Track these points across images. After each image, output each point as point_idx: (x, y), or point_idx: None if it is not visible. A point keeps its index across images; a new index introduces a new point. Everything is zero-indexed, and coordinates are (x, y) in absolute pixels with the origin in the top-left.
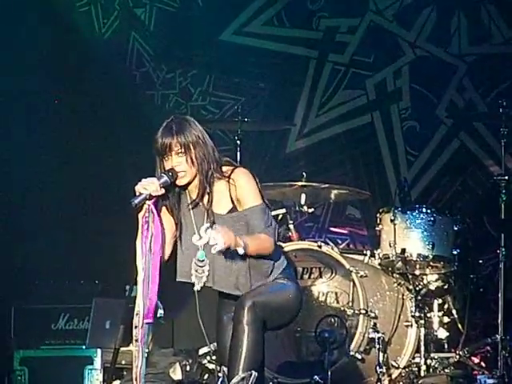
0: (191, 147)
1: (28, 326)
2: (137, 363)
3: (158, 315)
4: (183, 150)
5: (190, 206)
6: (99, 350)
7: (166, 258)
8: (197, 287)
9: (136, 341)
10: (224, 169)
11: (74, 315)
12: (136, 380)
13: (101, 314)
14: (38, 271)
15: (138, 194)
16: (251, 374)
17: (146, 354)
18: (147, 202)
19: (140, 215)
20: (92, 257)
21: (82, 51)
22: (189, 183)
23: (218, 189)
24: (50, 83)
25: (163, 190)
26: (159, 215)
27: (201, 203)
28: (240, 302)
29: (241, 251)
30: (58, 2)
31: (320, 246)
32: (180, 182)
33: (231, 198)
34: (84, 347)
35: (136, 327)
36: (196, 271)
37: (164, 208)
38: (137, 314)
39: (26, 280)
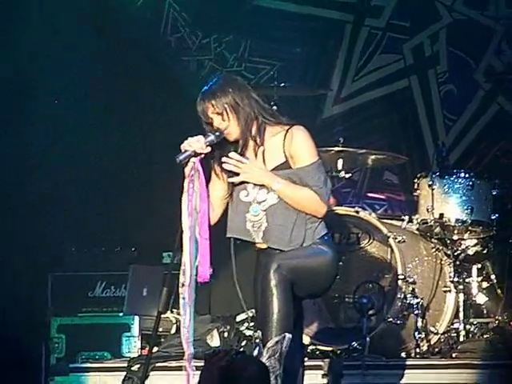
0: (224, 103)
1: (65, 294)
2: (184, 323)
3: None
4: (217, 108)
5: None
6: (136, 317)
7: (217, 219)
8: (257, 240)
9: (183, 299)
10: (280, 124)
11: (111, 282)
12: (184, 339)
13: (138, 281)
14: (74, 239)
15: (183, 151)
16: (284, 337)
17: (193, 314)
18: (192, 159)
19: (186, 172)
20: (128, 224)
21: (117, 18)
22: (238, 139)
23: (272, 143)
24: (87, 53)
25: (209, 149)
26: (205, 174)
27: (251, 156)
28: (267, 265)
29: (275, 186)
30: None
31: (357, 212)
32: (228, 137)
33: (284, 153)
34: (121, 314)
35: (183, 285)
36: (252, 226)
37: (215, 169)
38: (183, 273)
39: (62, 248)
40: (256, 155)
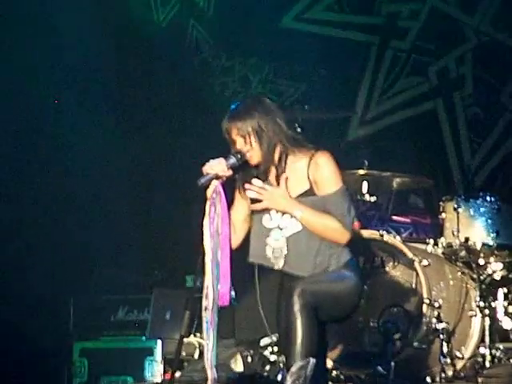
0: (248, 127)
1: (87, 318)
2: (208, 347)
3: (232, 298)
4: (241, 131)
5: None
6: (159, 341)
7: (239, 242)
8: (276, 267)
9: (206, 323)
10: (304, 149)
11: (134, 306)
12: (208, 364)
13: (161, 304)
14: (97, 262)
15: (205, 174)
16: (309, 361)
17: (216, 338)
18: (214, 182)
19: (208, 195)
20: (152, 247)
21: (141, 39)
22: (260, 164)
23: (296, 169)
24: (110, 73)
25: (231, 172)
26: (227, 197)
27: (272, 180)
28: (290, 290)
29: (297, 214)
30: None
31: (382, 235)
32: (251, 161)
33: (309, 179)
34: (144, 338)
35: (206, 309)
36: (273, 252)
37: (238, 191)
38: (206, 296)
39: (85, 271)
40: (278, 181)
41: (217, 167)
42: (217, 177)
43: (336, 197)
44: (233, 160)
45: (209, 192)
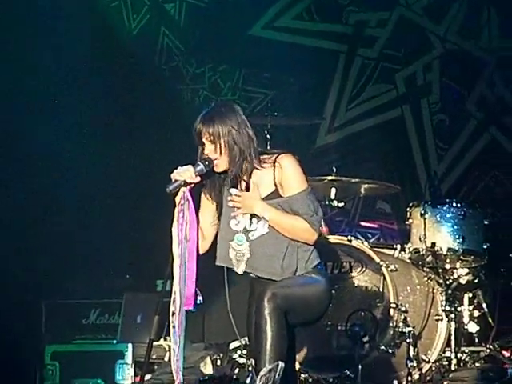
0: (221, 136)
1: (59, 321)
2: (175, 351)
3: (198, 302)
4: (212, 138)
5: (229, 191)
6: (130, 345)
7: (207, 246)
8: (238, 271)
9: (173, 327)
10: (267, 156)
11: (105, 310)
12: (175, 368)
13: (132, 308)
14: (69, 267)
15: (173, 180)
16: (278, 365)
17: (183, 342)
18: (182, 188)
19: (177, 201)
20: (122, 252)
21: (112, 46)
22: (227, 170)
23: (261, 174)
24: (81, 78)
25: (199, 178)
26: (195, 203)
27: (242, 188)
28: (260, 293)
29: (266, 215)
30: None
31: (350, 241)
32: (216, 168)
33: (274, 183)
34: (115, 342)
35: (173, 314)
36: (235, 255)
37: (205, 196)
38: (174, 301)
39: (56, 275)
40: (247, 186)
41: (185, 174)
42: (185, 183)
43: (302, 197)
44: (200, 167)
45: (177, 198)
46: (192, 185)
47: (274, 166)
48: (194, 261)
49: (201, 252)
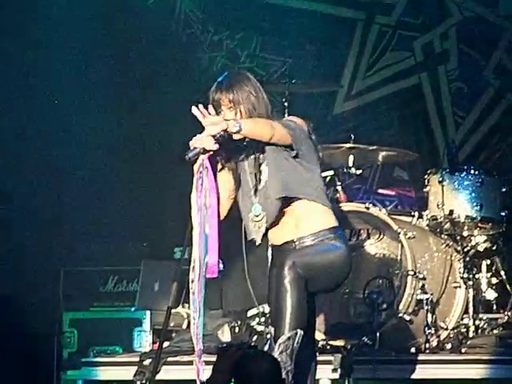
0: (241, 102)
1: (77, 288)
2: (194, 318)
3: (220, 269)
4: (232, 104)
5: (245, 159)
6: (148, 312)
7: (225, 213)
8: (257, 242)
9: (193, 294)
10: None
11: (123, 277)
12: (194, 335)
13: (150, 275)
14: (86, 234)
15: (192, 148)
16: (296, 333)
17: (203, 309)
18: (201, 156)
19: (195, 169)
20: (140, 219)
21: (129, 14)
22: (245, 138)
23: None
24: (98, 50)
25: (217, 146)
26: (214, 170)
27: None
28: (282, 262)
29: (235, 128)
30: None
31: (368, 208)
32: (234, 136)
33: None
34: (133, 309)
35: (193, 281)
36: (254, 226)
37: (222, 168)
38: (193, 269)
39: (74, 242)
40: (259, 154)
41: (204, 141)
42: (204, 151)
43: (287, 121)
44: (220, 133)
45: (196, 166)
46: (211, 152)
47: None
48: (215, 228)
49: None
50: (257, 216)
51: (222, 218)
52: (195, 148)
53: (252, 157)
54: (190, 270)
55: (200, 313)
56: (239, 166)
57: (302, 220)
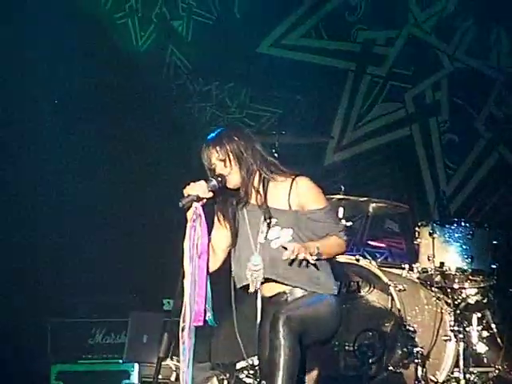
0: (229, 150)
1: (65, 341)
2: (183, 368)
3: (207, 318)
4: (221, 154)
5: (244, 209)
6: (136, 365)
7: (219, 264)
8: (251, 289)
9: (183, 343)
10: (284, 173)
11: (111, 329)
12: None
13: (138, 327)
14: (74, 286)
15: (186, 195)
16: None
17: (192, 359)
18: (195, 204)
19: (188, 217)
20: (129, 271)
21: (120, 64)
22: (239, 187)
23: (277, 192)
24: (88, 95)
25: (211, 194)
26: (207, 219)
27: (253, 202)
28: (276, 316)
29: (313, 260)
30: (96, 14)
31: (358, 260)
32: (228, 184)
33: (289, 203)
34: (121, 361)
35: (183, 330)
36: (251, 275)
37: (218, 218)
38: (183, 318)
39: (62, 294)
40: (259, 205)
41: (198, 188)
42: (198, 198)
43: (325, 211)
44: (214, 182)
45: (189, 214)
46: (204, 200)
47: (291, 185)
48: (204, 277)
49: (211, 269)
50: (255, 265)
51: (215, 267)
52: (189, 195)
53: (257, 210)
54: (181, 319)
55: (189, 362)
56: (238, 215)
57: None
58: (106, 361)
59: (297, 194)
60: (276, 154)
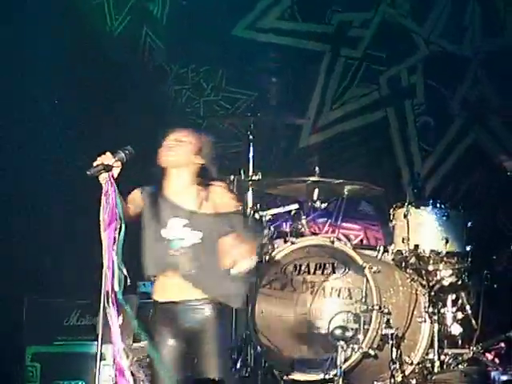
0: (187, 142)
1: (40, 322)
2: (113, 326)
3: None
4: (185, 140)
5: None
6: (110, 346)
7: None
8: (181, 273)
9: (109, 305)
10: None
11: (86, 311)
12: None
13: None
14: (50, 266)
15: (94, 165)
16: None
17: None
18: (105, 174)
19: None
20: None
21: (94, 45)
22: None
23: (197, 192)
24: (61, 77)
25: (119, 163)
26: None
27: (174, 198)
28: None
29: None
30: None
31: (333, 242)
32: (164, 160)
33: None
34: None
35: (108, 299)
36: (172, 261)
37: (139, 195)
38: (105, 285)
39: (38, 275)
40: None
41: (104, 159)
42: (105, 168)
43: (239, 216)
44: (121, 154)
45: (103, 183)
46: (112, 171)
47: (208, 191)
48: (111, 246)
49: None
50: (176, 250)
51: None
52: (97, 165)
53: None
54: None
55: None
56: (159, 204)
57: None
58: (81, 342)
59: (213, 198)
60: (251, 137)
